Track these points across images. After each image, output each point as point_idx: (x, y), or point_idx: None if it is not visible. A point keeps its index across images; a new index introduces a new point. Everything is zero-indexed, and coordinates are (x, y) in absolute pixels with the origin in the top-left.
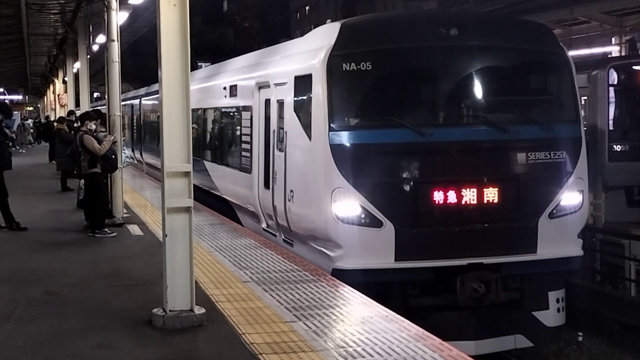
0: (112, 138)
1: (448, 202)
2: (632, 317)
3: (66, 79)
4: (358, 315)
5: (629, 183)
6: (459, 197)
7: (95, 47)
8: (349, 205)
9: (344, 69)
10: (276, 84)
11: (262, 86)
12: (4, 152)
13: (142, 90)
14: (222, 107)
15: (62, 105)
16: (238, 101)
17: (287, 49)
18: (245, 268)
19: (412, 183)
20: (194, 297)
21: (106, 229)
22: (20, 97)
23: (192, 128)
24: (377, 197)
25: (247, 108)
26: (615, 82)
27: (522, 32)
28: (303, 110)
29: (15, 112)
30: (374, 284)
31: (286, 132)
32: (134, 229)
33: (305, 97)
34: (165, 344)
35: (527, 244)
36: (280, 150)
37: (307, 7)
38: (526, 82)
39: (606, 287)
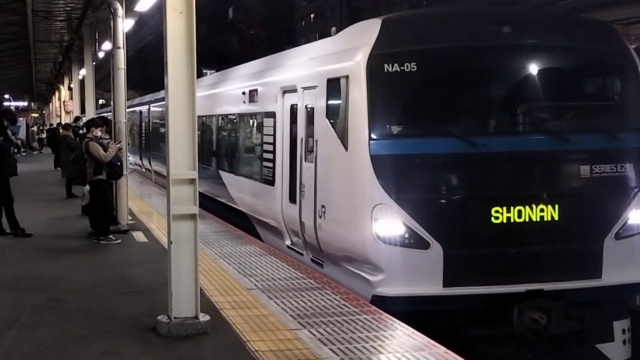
0: (117, 145)
1: (503, 220)
2: None
3: (72, 85)
4: (363, 323)
5: None
6: (515, 215)
7: (101, 54)
8: (391, 223)
9: (385, 70)
10: (304, 88)
11: (287, 91)
12: (9, 159)
13: (151, 97)
14: (240, 114)
15: (67, 112)
16: (259, 107)
17: (317, 49)
18: (250, 275)
19: (462, 199)
20: (199, 305)
21: (111, 236)
22: (25, 103)
23: (207, 136)
24: (423, 215)
25: (269, 114)
26: None
27: (583, 30)
28: (338, 116)
29: (21, 118)
30: (419, 313)
31: (316, 140)
32: (139, 236)
33: (340, 102)
34: (169, 351)
35: (591, 268)
36: (309, 161)
37: (312, 15)
38: (589, 85)
39: None
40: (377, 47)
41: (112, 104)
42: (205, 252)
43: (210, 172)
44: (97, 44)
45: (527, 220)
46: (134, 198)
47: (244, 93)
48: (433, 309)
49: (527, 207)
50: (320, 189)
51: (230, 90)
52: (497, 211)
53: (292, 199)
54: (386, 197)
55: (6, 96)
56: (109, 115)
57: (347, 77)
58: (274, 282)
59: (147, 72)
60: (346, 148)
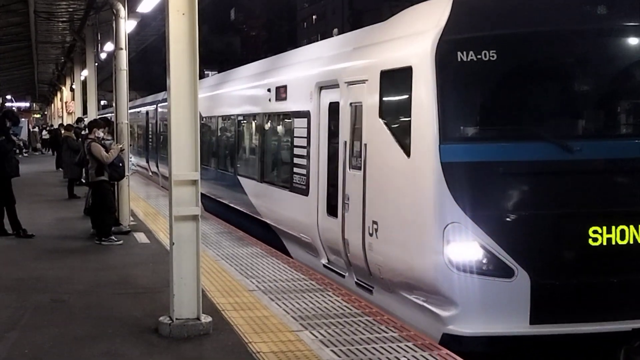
0: (119, 146)
1: (603, 242)
2: None
3: (74, 86)
4: (365, 325)
5: None
6: (618, 236)
7: (103, 55)
8: (467, 246)
9: (459, 59)
10: (349, 83)
11: (324, 86)
12: (11, 160)
13: (155, 97)
14: (265, 113)
15: (69, 113)
16: (288, 105)
17: (363, 37)
18: (252, 277)
19: (553, 217)
20: (201, 306)
21: (113, 237)
22: (27, 104)
23: (223, 138)
24: (505, 236)
25: (301, 114)
26: None
27: None
28: (396, 116)
29: (23, 119)
30: (500, 355)
31: (366, 144)
32: (141, 237)
33: (399, 99)
34: (171, 352)
35: None
36: (355, 168)
37: (314, 17)
38: None
39: None
40: (448, 31)
41: (114, 104)
42: (207, 254)
43: (227, 178)
44: (99, 45)
45: (631, 242)
46: (136, 199)
47: (269, 90)
48: (518, 350)
49: (631, 226)
50: (371, 201)
51: (251, 88)
52: (595, 231)
53: (332, 212)
54: (461, 214)
55: (8, 97)
56: (111, 116)
57: (409, 68)
58: (275, 283)
59: (149, 73)
60: (408, 154)
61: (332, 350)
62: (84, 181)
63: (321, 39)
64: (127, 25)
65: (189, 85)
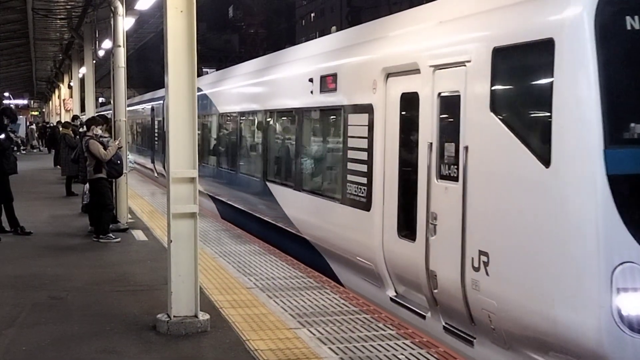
0: (117, 143)
1: None
2: None
3: (72, 84)
4: (363, 322)
5: None
6: None
7: (101, 53)
8: None
9: (629, 27)
10: (437, 67)
11: (394, 72)
12: (9, 157)
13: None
14: (305, 108)
15: (67, 110)
16: (339, 98)
17: (454, 7)
18: (250, 274)
19: None
20: (199, 303)
21: (110, 234)
22: (25, 101)
23: (248, 137)
24: None
25: (360, 108)
26: None
27: None
28: (522, 109)
29: (21, 116)
30: None
31: (466, 147)
32: (139, 235)
33: (528, 85)
34: (169, 349)
35: None
36: (447, 179)
37: (312, 14)
38: None
39: None
40: None
41: (112, 102)
42: (205, 251)
43: (251, 184)
44: (97, 42)
45: None
46: (134, 197)
47: (310, 80)
48: None
49: None
50: (476, 225)
51: (285, 78)
52: None
53: (406, 233)
54: (637, 251)
55: (6, 94)
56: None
57: (548, 41)
58: (273, 281)
59: (148, 70)
60: (546, 162)
61: (329, 348)
62: (80, 177)
63: (319, 37)
64: (125, 23)
65: (188, 83)
